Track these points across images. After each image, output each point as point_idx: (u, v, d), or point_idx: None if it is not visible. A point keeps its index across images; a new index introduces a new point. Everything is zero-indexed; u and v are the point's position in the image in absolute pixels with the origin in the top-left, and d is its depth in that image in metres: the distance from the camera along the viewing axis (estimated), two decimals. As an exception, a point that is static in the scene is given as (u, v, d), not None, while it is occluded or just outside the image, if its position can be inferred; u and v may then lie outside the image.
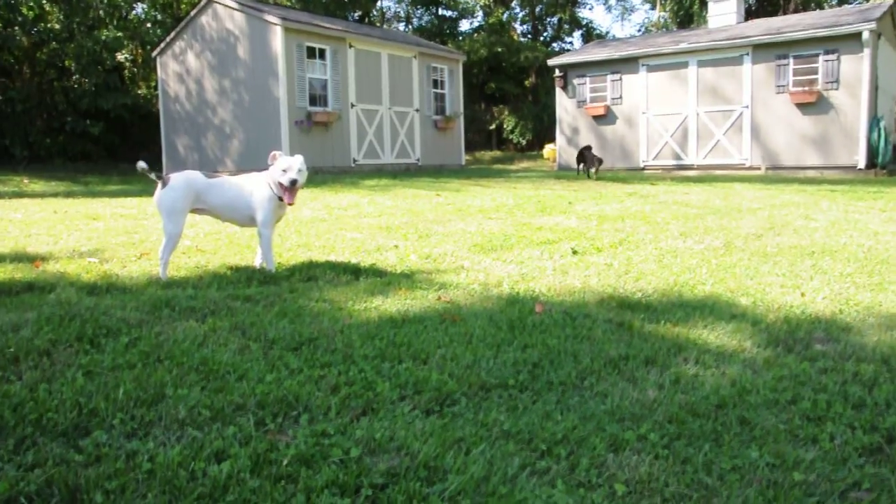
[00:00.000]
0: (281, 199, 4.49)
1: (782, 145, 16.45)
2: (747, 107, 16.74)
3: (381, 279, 4.41)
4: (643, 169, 18.40)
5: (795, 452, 2.12)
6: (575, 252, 5.41)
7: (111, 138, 20.33)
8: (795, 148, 16.31)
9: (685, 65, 17.64)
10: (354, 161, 17.38)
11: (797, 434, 2.26)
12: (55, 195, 11.20)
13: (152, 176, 4.36)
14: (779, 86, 16.30)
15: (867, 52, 15.18)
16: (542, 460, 2.05)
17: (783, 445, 2.17)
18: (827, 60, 15.66)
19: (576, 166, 13.99)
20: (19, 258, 5.01)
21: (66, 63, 20.09)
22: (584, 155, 15.16)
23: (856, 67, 15.38)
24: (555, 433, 2.20)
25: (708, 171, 17.23)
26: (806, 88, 15.91)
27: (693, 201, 9.27)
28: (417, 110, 19.07)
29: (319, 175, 15.05)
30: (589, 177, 13.33)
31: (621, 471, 2.00)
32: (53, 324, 3.19)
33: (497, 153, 28.83)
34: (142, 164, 4.40)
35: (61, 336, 3.03)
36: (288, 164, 4.37)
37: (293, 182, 4.34)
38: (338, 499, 1.79)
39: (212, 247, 5.55)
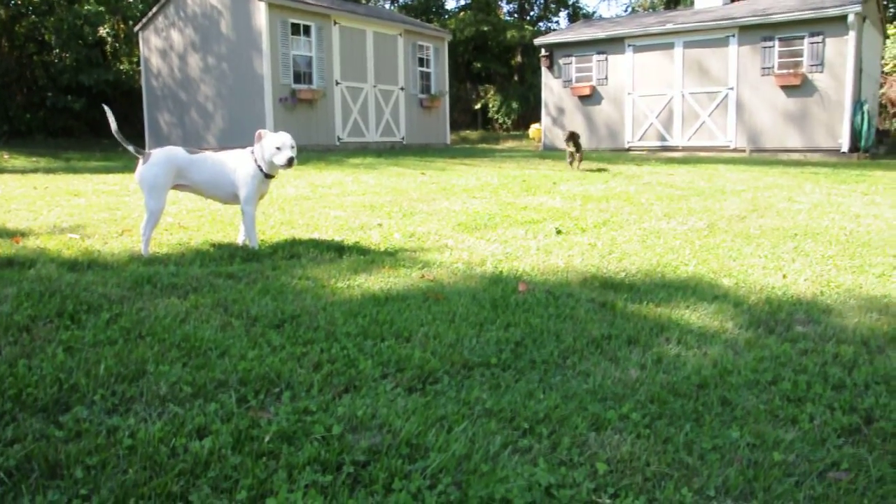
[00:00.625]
0: (267, 175, 4.47)
1: (767, 127, 16.52)
2: (732, 88, 16.77)
3: (364, 257, 4.39)
4: (628, 150, 18.42)
5: (775, 433, 2.14)
6: (559, 232, 5.42)
7: (93, 114, 20.03)
8: (779, 130, 16.38)
9: (671, 45, 17.62)
10: (339, 139, 17.27)
11: (777, 414, 2.28)
12: (35, 171, 11.05)
13: (131, 149, 4.30)
14: (764, 68, 16.33)
15: (852, 34, 15.22)
16: (524, 439, 2.06)
17: (763, 426, 2.19)
18: (812, 43, 15.69)
19: (565, 148, 11.43)
20: (-2, 234, 4.95)
21: (46, 37, 19.75)
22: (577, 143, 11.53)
23: (840, 50, 15.43)
24: (537, 412, 2.21)
25: (692, 152, 17.28)
26: (791, 71, 15.96)
27: (677, 182, 9.29)
28: (402, 89, 18.94)
29: (304, 153, 14.94)
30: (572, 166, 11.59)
31: (603, 450, 2.01)
32: (33, 299, 3.16)
33: (482, 133, 28.75)
34: (113, 120, 4.29)
35: (41, 312, 3.00)
36: (281, 142, 4.34)
37: (291, 160, 4.35)
38: (319, 476, 1.79)
39: (194, 224, 5.50)
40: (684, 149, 17.54)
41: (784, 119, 16.29)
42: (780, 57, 16.14)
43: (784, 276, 4.10)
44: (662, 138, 17.98)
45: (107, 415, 2.11)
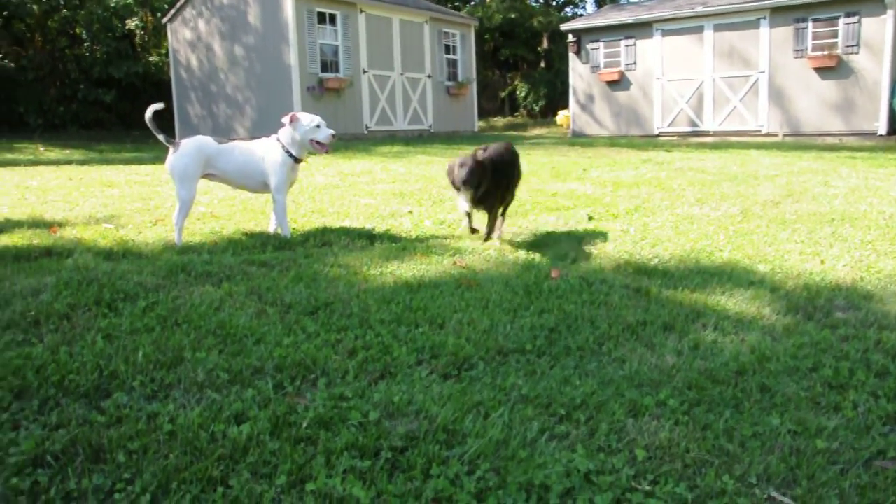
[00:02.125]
0: (297, 160, 4.50)
1: (800, 111, 16.22)
2: (764, 72, 16.48)
3: (395, 245, 4.40)
4: (658, 136, 18.21)
5: (818, 420, 2.10)
6: (591, 218, 5.37)
7: (123, 106, 20.28)
8: (814, 114, 16.07)
9: (701, 29, 17.35)
10: (367, 128, 17.28)
11: (819, 402, 2.24)
12: (70, 162, 11.21)
13: (162, 138, 4.34)
14: (797, 50, 16.02)
15: (890, 13, 14.84)
16: (562, 425, 2.04)
17: (805, 413, 2.15)
18: (847, 23, 15.35)
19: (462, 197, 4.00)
20: (37, 224, 5.03)
21: (77, 31, 19.99)
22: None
23: (877, 30, 15.07)
24: (573, 398, 2.19)
25: (724, 137, 17.03)
26: (825, 52, 15.63)
27: (709, 168, 9.17)
28: (430, 76, 18.89)
29: (332, 142, 14.96)
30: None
31: (641, 436, 1.99)
32: (72, 288, 3.21)
33: (510, 119, 28.61)
34: (152, 110, 4.32)
35: (80, 300, 3.05)
36: (318, 121, 4.42)
37: (333, 135, 4.43)
38: (358, 461, 1.79)
39: (226, 212, 5.54)
40: (715, 134, 17.29)
41: (818, 102, 15.98)
42: (814, 38, 15.80)
43: (822, 262, 4.03)
44: (693, 124, 17.75)
45: (146, 401, 2.14)
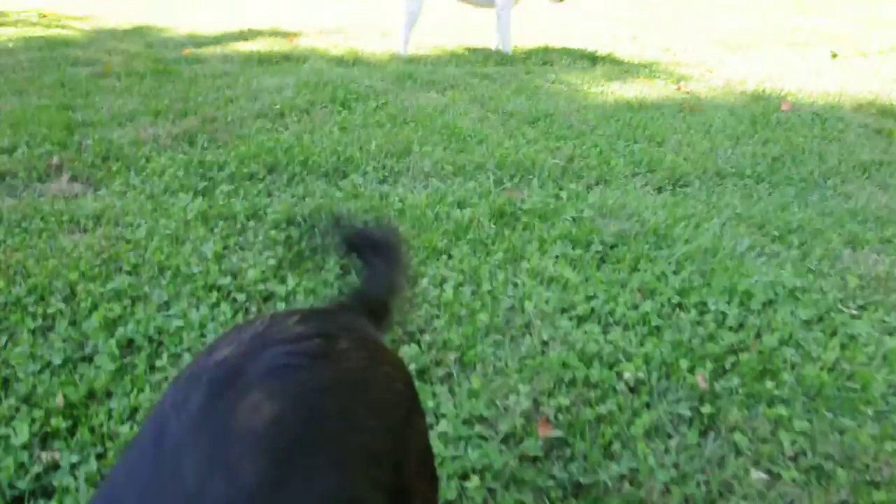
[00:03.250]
0: None
1: None
2: None
3: (618, 67, 4.31)
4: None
5: None
6: (834, 55, 4.89)
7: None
8: None
9: None
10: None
11: None
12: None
13: None
14: None
15: None
16: (773, 245, 2.03)
17: None
18: None
19: None
20: (276, 34, 5.42)
21: None
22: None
23: None
24: (789, 223, 2.16)
25: None
26: None
27: None
28: None
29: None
30: None
31: (856, 265, 1.95)
32: (310, 87, 3.52)
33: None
34: None
35: (317, 98, 3.35)
36: None
37: None
38: (569, 249, 1.91)
39: (448, 29, 5.63)
40: None
41: None
42: None
43: None
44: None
45: (378, 183, 2.38)
